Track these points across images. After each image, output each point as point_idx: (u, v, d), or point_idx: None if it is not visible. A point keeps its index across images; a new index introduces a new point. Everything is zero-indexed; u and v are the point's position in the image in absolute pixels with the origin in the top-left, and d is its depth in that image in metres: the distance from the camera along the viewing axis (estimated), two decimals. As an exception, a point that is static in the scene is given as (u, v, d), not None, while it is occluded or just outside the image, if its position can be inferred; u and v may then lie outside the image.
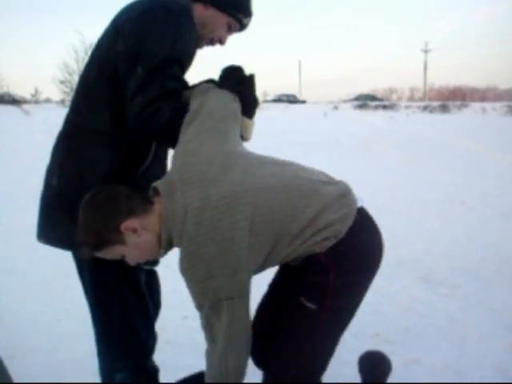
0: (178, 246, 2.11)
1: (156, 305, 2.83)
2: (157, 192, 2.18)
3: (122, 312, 2.48)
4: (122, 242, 2.13)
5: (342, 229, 2.13)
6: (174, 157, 2.23)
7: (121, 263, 2.37)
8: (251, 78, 2.46)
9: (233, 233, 2.02)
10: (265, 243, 2.08)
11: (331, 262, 2.12)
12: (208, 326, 2.15)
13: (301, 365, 2.24)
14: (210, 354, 2.20)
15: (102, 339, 2.55)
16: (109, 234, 2.10)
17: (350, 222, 2.16)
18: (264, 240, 2.07)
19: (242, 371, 2.19)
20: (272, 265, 2.21)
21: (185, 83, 2.38)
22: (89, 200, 2.14)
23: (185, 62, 2.34)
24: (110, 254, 2.16)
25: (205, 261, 2.03)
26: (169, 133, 2.26)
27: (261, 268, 2.16)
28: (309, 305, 2.17)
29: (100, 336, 2.55)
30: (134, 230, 2.11)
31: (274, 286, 2.55)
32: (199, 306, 2.12)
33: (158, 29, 2.24)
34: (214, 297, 2.05)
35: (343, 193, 2.22)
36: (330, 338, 2.28)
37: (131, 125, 2.24)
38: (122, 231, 2.10)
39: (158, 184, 2.18)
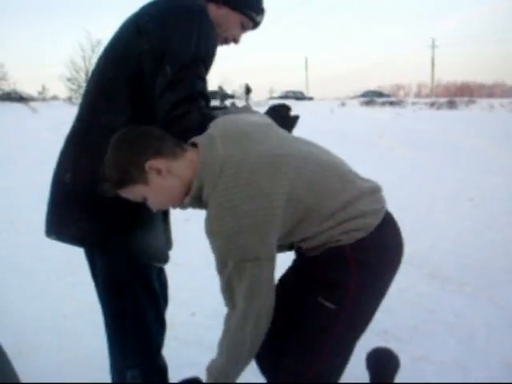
0: (207, 199, 2.06)
1: (164, 300, 2.83)
2: (194, 145, 2.18)
3: (135, 309, 2.48)
4: (145, 182, 2.10)
5: (373, 222, 2.14)
6: (216, 121, 2.25)
7: (133, 261, 2.38)
8: (295, 118, 2.56)
9: (272, 189, 1.99)
10: (298, 211, 2.06)
11: (355, 258, 2.11)
12: (228, 290, 2.12)
13: (321, 365, 2.22)
14: (228, 319, 2.19)
15: (114, 337, 2.55)
16: (133, 171, 2.08)
17: (379, 219, 2.18)
18: (298, 207, 2.05)
19: (259, 339, 2.16)
20: (295, 238, 2.16)
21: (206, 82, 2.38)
22: (119, 136, 2.13)
23: (208, 61, 2.35)
24: (132, 193, 2.14)
25: (236, 215, 1.98)
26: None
27: (284, 238, 2.13)
28: (328, 304, 2.14)
29: (112, 333, 2.55)
30: (159, 171, 2.09)
31: (286, 283, 2.49)
32: (221, 267, 2.08)
33: (181, 28, 2.26)
34: (239, 255, 2.01)
35: (374, 190, 2.25)
36: (350, 339, 2.26)
37: (160, 122, 2.25)
38: (146, 170, 2.08)
39: (196, 138, 2.19)
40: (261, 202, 1.98)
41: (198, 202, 2.14)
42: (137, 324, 2.50)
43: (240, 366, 2.22)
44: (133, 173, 2.09)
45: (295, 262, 2.49)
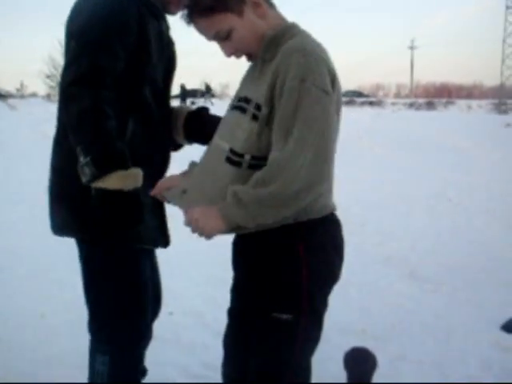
0: (287, 40, 2.04)
1: (156, 298, 2.79)
2: None
3: (111, 296, 2.48)
4: (239, 13, 2.04)
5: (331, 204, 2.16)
6: None
7: (113, 248, 2.39)
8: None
9: None
10: None
11: (305, 256, 2.07)
12: (289, 119, 1.94)
13: (288, 379, 2.17)
14: (275, 156, 1.94)
15: (91, 318, 2.55)
16: None
17: (333, 208, 2.19)
18: None
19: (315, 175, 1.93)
20: None
21: (121, 58, 2.27)
22: None
23: (124, 36, 2.27)
24: (220, 23, 2.05)
25: (319, 49, 2.04)
26: (77, 120, 2.17)
27: None
28: (284, 317, 2.09)
29: (89, 314, 2.55)
30: (257, 5, 2.06)
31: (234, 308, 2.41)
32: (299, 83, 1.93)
33: (90, 7, 2.25)
34: (319, 81, 1.95)
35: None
36: (312, 342, 2.23)
37: (60, 96, 2.24)
38: (246, 0, 2.04)
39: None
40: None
41: (274, 45, 2.07)
42: (111, 311, 2.49)
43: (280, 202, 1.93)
44: (231, 0, 2.03)
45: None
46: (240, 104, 2.11)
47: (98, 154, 2.13)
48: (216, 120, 2.47)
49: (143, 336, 2.60)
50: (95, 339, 2.54)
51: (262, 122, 1.99)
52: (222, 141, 2.11)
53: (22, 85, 49.02)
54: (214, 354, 3.05)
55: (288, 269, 2.09)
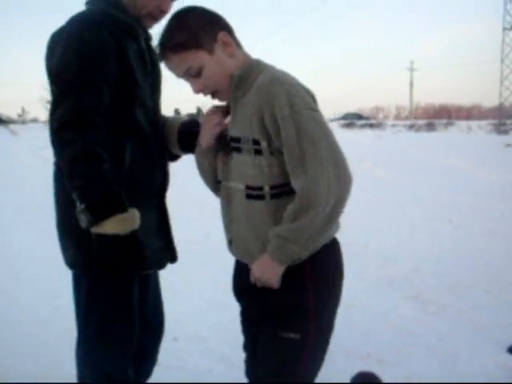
0: (257, 75, 2.13)
1: (159, 324, 2.78)
2: None
3: (105, 324, 2.46)
4: (210, 51, 2.13)
5: (333, 233, 2.19)
6: None
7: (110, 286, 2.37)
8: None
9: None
10: None
11: (312, 277, 2.12)
12: (300, 149, 2.02)
13: None
14: (298, 185, 2.02)
15: (78, 346, 2.53)
16: (204, 36, 2.12)
17: (335, 233, 2.22)
18: None
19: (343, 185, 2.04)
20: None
21: (105, 92, 2.26)
22: (190, 6, 2.20)
23: (103, 71, 2.24)
24: (189, 61, 2.14)
25: (292, 79, 2.12)
26: (71, 167, 2.18)
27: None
28: (292, 336, 2.13)
29: (77, 342, 2.54)
30: (227, 45, 2.15)
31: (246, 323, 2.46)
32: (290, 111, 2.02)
33: (61, 47, 2.22)
34: (304, 103, 2.05)
35: None
36: (317, 361, 2.25)
37: (51, 141, 2.23)
38: (216, 39, 2.13)
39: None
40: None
41: (243, 83, 2.15)
42: (102, 338, 2.47)
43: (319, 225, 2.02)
44: (202, 38, 2.12)
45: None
46: (232, 145, 2.18)
47: (92, 201, 2.14)
48: None
49: (130, 361, 2.57)
50: (82, 369, 2.52)
51: (267, 154, 2.07)
52: (235, 183, 2.19)
53: (23, 110, 49.09)
54: (219, 378, 3.05)
55: (295, 287, 2.13)
